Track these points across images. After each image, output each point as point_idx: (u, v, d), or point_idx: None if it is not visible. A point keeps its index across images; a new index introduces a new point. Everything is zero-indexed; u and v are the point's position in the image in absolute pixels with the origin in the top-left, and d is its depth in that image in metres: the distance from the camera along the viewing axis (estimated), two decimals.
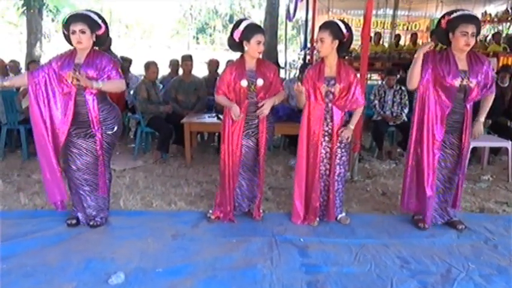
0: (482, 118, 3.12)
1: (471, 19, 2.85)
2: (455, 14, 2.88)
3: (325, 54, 3.01)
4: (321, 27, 3.02)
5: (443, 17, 2.96)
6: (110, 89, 2.95)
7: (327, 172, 3.17)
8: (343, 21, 3.03)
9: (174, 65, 6.35)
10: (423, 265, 2.68)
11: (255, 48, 2.99)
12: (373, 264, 2.67)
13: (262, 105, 3.04)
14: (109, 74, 2.89)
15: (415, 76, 2.94)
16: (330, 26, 2.98)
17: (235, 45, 3.05)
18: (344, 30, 2.96)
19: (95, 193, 3.08)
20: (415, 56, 2.94)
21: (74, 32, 2.80)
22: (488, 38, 10.09)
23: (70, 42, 2.90)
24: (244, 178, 3.27)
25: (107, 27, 2.94)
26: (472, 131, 3.10)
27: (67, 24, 2.83)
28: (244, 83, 3.02)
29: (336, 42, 2.97)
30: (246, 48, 3.00)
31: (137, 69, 6.51)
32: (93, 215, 3.10)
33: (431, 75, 2.94)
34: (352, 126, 3.11)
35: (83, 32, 2.80)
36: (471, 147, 4.35)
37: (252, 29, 2.98)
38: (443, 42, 3.03)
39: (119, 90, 3.11)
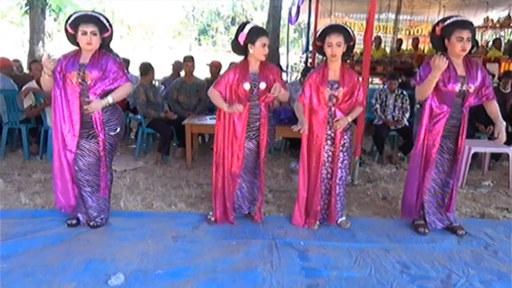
0: (500, 121, 2.98)
1: (466, 25, 2.89)
2: (449, 21, 2.91)
3: (338, 58, 3.02)
4: (333, 32, 2.97)
5: (437, 24, 3.00)
6: (119, 98, 3.00)
7: (329, 176, 3.17)
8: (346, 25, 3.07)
9: (176, 66, 6.35)
10: (423, 270, 2.68)
11: (260, 50, 2.99)
12: (373, 268, 2.67)
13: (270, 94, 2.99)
14: (115, 77, 2.90)
15: (427, 92, 2.93)
16: (342, 31, 3.00)
17: (239, 48, 3.05)
18: (352, 34, 3.01)
19: (96, 194, 3.07)
20: (433, 74, 2.81)
21: (84, 33, 2.80)
22: (489, 44, 10.12)
23: (73, 42, 2.90)
24: (245, 180, 3.27)
25: (112, 31, 2.94)
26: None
27: (75, 24, 2.82)
28: (247, 86, 3.02)
29: (345, 46, 3.00)
30: (251, 51, 3.00)
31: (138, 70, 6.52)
32: (94, 216, 3.10)
33: None
34: (350, 118, 3.06)
35: (94, 34, 2.81)
36: (472, 152, 4.38)
37: (257, 32, 2.99)
38: (439, 49, 3.06)
39: (127, 93, 3.14)
